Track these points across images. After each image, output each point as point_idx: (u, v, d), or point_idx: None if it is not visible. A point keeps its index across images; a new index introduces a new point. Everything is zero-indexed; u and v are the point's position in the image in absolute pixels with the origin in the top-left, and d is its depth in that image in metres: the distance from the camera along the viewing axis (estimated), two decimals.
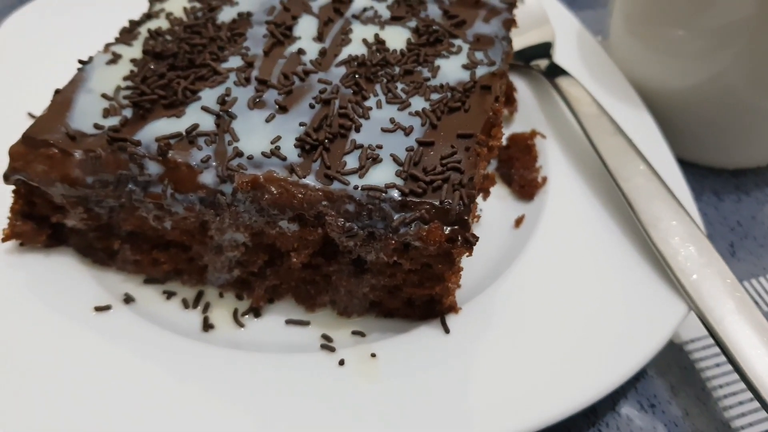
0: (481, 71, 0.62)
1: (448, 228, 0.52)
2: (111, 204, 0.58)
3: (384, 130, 0.56)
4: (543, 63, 0.79)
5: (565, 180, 0.70)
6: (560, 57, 0.82)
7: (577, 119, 0.70)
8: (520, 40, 0.80)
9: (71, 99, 0.60)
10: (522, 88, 0.80)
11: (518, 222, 0.68)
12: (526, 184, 0.71)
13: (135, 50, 0.64)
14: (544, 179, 0.71)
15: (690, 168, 0.80)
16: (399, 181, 0.53)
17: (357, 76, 0.61)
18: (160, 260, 0.61)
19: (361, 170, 0.53)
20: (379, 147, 0.55)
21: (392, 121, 0.57)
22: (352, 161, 0.54)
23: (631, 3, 0.77)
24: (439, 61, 0.63)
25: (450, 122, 0.58)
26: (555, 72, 0.77)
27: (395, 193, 0.52)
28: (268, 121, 0.57)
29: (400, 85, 0.61)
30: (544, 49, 0.80)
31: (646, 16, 0.76)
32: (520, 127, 0.77)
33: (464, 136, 0.56)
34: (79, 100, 0.60)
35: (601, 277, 0.62)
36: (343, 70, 0.62)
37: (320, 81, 0.60)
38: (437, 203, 0.52)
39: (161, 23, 0.67)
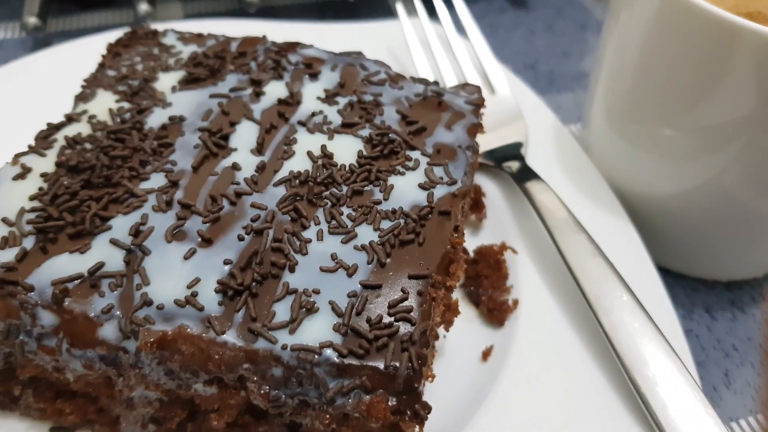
0: (440, 192, 0.55)
1: (395, 398, 0.44)
2: (4, 351, 0.50)
3: (323, 270, 0.48)
4: (514, 165, 0.71)
5: (538, 304, 0.62)
6: (534, 154, 0.74)
7: (552, 237, 0.63)
8: (490, 137, 0.72)
9: None
10: (492, 190, 0.72)
11: (486, 355, 0.60)
12: (495, 308, 0.63)
13: (48, 161, 0.56)
14: (515, 303, 0.63)
15: (679, 280, 0.73)
16: (337, 338, 0.44)
17: (297, 198, 0.53)
18: (65, 410, 0.52)
19: (293, 323, 0.45)
20: (316, 292, 0.47)
21: (334, 257, 0.49)
22: (282, 311, 0.46)
23: (612, 96, 0.71)
24: (393, 179, 0.55)
25: (401, 258, 0.49)
26: (527, 176, 0.69)
27: (331, 355, 0.44)
28: (186, 258, 0.48)
29: (346, 210, 0.53)
30: (515, 149, 0.73)
31: (630, 113, 0.69)
32: (489, 235, 0.69)
33: (417, 277, 0.48)
34: None
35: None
36: (282, 190, 0.54)
37: (253, 205, 0.52)
38: (381, 367, 0.43)
39: (82, 128, 0.59)
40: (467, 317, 0.64)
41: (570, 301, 0.62)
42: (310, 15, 1.03)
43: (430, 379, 0.47)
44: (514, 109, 0.76)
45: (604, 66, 0.72)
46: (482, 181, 0.73)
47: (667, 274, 0.72)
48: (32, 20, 0.88)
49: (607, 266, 0.59)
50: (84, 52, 0.81)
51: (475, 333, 0.62)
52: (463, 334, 0.62)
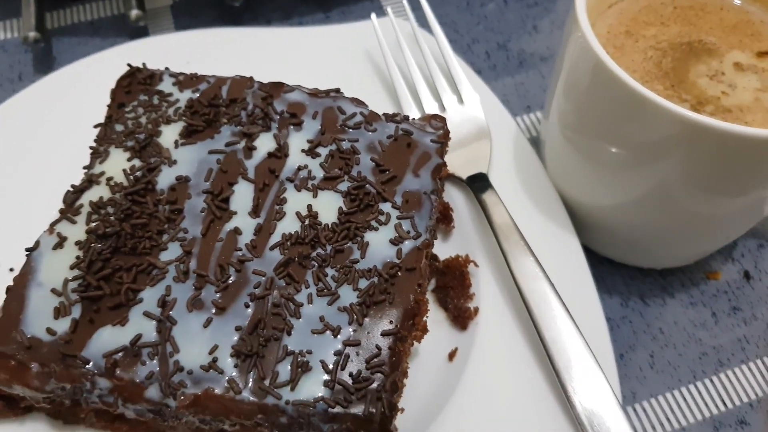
0: (407, 247, 0.66)
1: None
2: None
3: (314, 332, 0.61)
4: (477, 180, 0.81)
5: (495, 312, 0.75)
6: (494, 161, 0.84)
7: (505, 258, 0.74)
8: (458, 155, 0.82)
9: (23, 297, 0.64)
10: (459, 200, 0.83)
11: (451, 356, 0.74)
12: (459, 315, 0.76)
13: (79, 229, 0.67)
14: (476, 310, 0.76)
15: (619, 268, 0.85)
16: (327, 393, 0.58)
17: (291, 261, 0.65)
18: (122, 428, 0.68)
19: (292, 382, 0.59)
20: (309, 352, 0.60)
21: (322, 319, 0.62)
22: (284, 371, 0.59)
23: (563, 109, 0.78)
24: (368, 236, 0.67)
25: (375, 316, 0.62)
26: (485, 188, 0.80)
27: (323, 407, 0.58)
28: (205, 326, 0.61)
29: (330, 272, 0.64)
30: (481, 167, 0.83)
31: (578, 127, 0.77)
32: (457, 245, 0.80)
33: (388, 334, 0.61)
34: (31, 298, 0.64)
35: None
36: (277, 254, 0.65)
37: (255, 272, 0.64)
38: (361, 414, 0.58)
39: (102, 191, 0.70)
40: (438, 320, 0.77)
41: (521, 311, 0.75)
42: (292, 1, 1.07)
43: (400, 412, 0.61)
44: (482, 123, 0.85)
45: (560, 78, 0.79)
46: (451, 191, 0.83)
47: (609, 263, 0.85)
48: (32, 34, 0.94)
49: (549, 289, 0.72)
50: (88, 73, 0.90)
51: (443, 335, 0.76)
52: (433, 336, 0.75)
